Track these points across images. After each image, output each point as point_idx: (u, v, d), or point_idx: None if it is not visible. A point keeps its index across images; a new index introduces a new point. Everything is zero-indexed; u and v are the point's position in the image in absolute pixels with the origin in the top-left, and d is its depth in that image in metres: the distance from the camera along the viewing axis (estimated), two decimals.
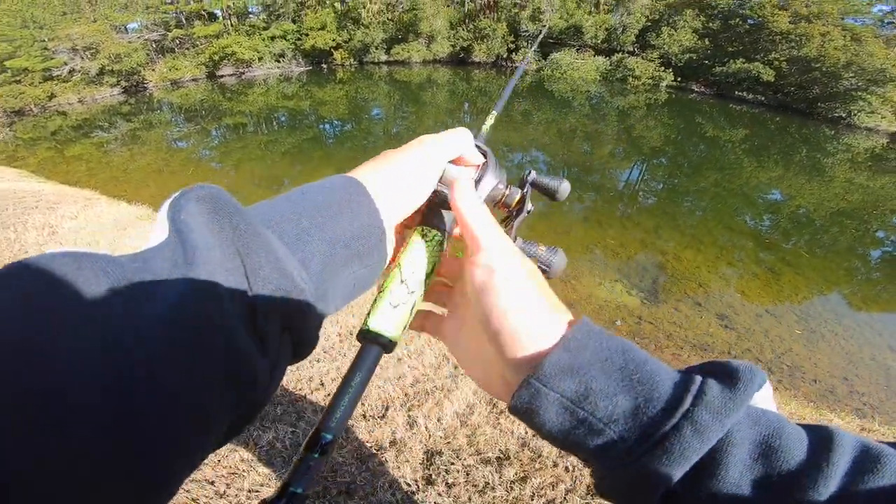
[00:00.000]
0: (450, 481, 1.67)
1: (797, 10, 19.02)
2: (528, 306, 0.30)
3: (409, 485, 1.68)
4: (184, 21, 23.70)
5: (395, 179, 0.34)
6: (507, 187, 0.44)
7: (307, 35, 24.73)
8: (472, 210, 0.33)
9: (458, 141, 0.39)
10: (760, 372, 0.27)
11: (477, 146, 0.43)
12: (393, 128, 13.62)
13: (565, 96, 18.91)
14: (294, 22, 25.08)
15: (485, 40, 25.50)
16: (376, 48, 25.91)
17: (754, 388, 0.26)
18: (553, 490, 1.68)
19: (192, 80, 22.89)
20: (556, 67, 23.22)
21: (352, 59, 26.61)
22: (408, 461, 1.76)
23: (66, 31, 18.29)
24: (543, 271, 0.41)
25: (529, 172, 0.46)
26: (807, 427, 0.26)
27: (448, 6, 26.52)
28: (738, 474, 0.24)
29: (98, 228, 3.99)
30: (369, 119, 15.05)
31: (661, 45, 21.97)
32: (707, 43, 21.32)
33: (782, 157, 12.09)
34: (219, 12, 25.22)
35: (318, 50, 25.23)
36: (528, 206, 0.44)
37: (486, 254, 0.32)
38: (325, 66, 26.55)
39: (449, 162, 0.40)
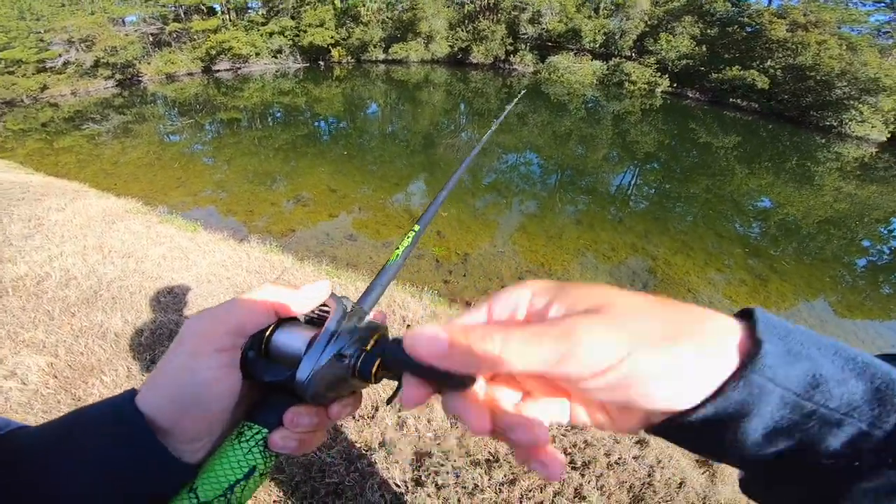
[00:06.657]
0: (439, 483, 1.67)
1: (795, 18, 19.16)
2: (680, 356, 0.23)
3: (398, 486, 1.67)
4: (182, 15, 23.52)
5: (165, 396, 0.31)
6: (358, 352, 0.33)
7: (305, 31, 24.63)
8: (477, 352, 0.24)
9: (240, 310, 0.32)
10: None
11: (325, 304, 0.35)
12: (388, 127, 13.59)
13: (561, 99, 18.98)
14: (293, 18, 24.96)
15: (483, 42, 25.51)
16: (374, 46, 25.85)
17: None
18: (541, 493, 1.68)
19: (188, 74, 22.71)
20: (553, 70, 23.29)
21: (349, 57, 26.55)
22: (397, 462, 1.76)
23: (63, 22, 18.11)
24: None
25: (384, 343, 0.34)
26: None
27: (448, 6, 26.51)
28: None
29: (86, 221, 3.93)
30: (365, 117, 15.01)
31: (658, 51, 22.10)
32: (704, 49, 21.44)
33: (773, 164, 12.22)
34: (218, 7, 25.08)
35: (315, 47, 25.12)
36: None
37: (574, 363, 0.23)
38: (322, 63, 26.46)
39: (277, 328, 0.34)
